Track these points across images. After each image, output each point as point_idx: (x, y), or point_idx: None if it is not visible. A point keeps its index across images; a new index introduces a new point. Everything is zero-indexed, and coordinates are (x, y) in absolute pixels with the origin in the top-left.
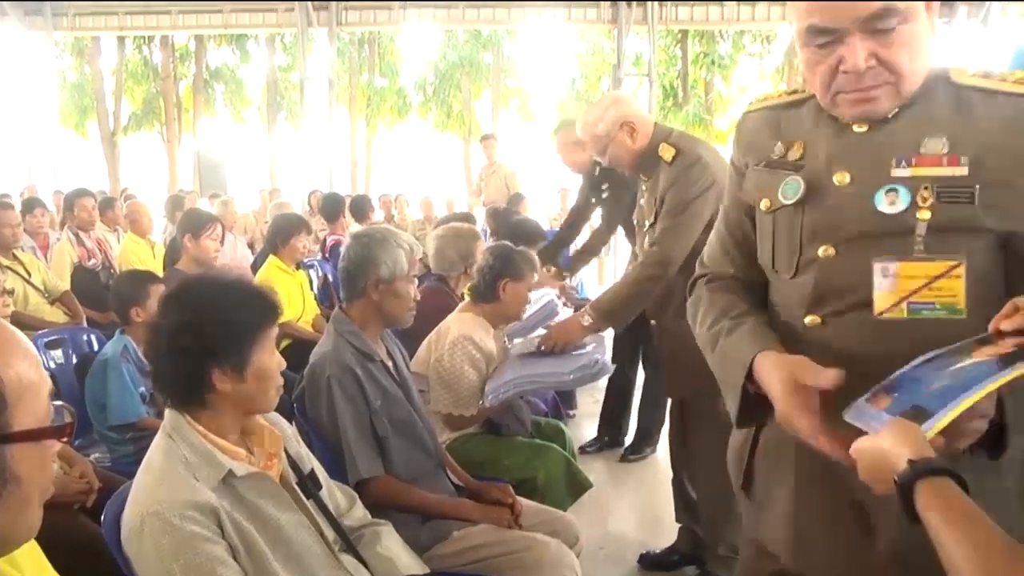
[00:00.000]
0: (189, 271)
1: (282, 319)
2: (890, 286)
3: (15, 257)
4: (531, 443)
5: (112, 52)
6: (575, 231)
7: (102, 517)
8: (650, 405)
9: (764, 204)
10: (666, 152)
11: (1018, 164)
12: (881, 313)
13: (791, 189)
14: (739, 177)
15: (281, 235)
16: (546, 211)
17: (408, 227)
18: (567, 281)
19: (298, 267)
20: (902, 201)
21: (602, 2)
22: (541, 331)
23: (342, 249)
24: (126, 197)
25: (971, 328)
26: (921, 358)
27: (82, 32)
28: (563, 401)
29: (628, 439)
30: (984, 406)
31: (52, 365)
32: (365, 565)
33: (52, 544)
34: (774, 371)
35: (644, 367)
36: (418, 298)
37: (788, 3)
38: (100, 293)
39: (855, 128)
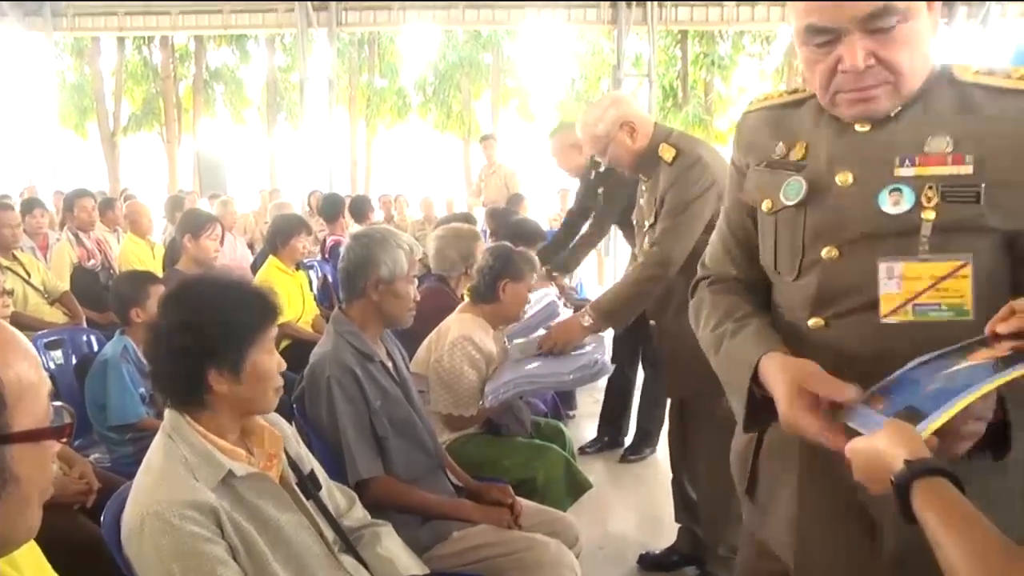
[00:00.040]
0: (189, 271)
1: (282, 320)
2: (896, 287)
3: (15, 258)
4: (531, 444)
5: (112, 52)
6: (572, 234)
7: (102, 518)
8: (650, 405)
9: (766, 205)
10: (666, 152)
11: None
12: (887, 316)
13: (793, 190)
14: (740, 178)
15: (281, 235)
16: (546, 211)
17: (408, 227)
18: (567, 281)
19: (298, 267)
20: (906, 201)
21: (602, 2)
22: (542, 332)
23: (342, 249)
24: (126, 198)
25: (976, 330)
26: (917, 360)
27: (82, 32)
28: (563, 402)
29: (628, 439)
30: (979, 408)
31: (52, 366)
32: (365, 566)
33: (52, 544)
34: (780, 373)
35: (644, 367)
36: (418, 298)
37: (788, 3)
38: (100, 294)
39: (857, 127)
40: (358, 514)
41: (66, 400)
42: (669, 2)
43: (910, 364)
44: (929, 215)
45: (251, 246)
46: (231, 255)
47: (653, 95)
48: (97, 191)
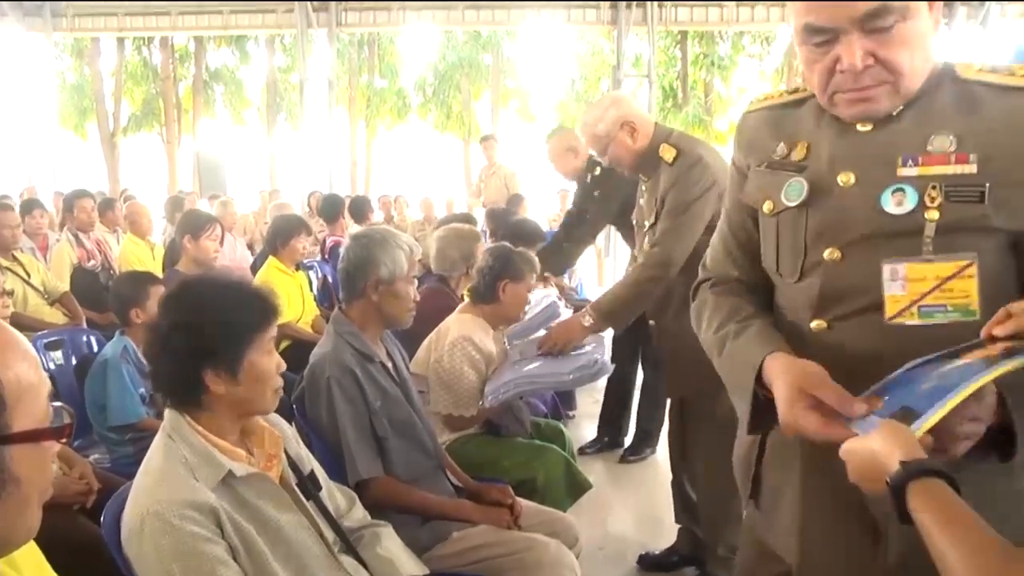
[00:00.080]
0: (188, 272)
1: (282, 320)
2: (900, 289)
3: (14, 258)
4: (531, 444)
5: (111, 53)
6: (570, 235)
7: (102, 518)
8: (650, 406)
9: (767, 207)
10: (667, 153)
11: None
12: (892, 318)
13: (794, 191)
14: (740, 179)
15: (281, 236)
16: (545, 212)
17: (408, 228)
18: (567, 282)
19: (298, 268)
20: (909, 201)
21: (602, 3)
22: (543, 332)
23: (341, 250)
24: (126, 198)
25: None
26: (914, 361)
27: (81, 33)
28: (563, 402)
29: (628, 440)
30: (974, 410)
31: (52, 366)
32: (365, 566)
33: (51, 545)
34: (781, 375)
35: (644, 367)
36: (418, 299)
37: (787, 2)
38: (100, 294)
39: (859, 127)
40: (358, 514)
41: (66, 401)
42: (669, 2)
43: (906, 365)
44: (933, 215)
45: (251, 247)
46: (231, 256)
47: (653, 95)
48: (97, 192)
